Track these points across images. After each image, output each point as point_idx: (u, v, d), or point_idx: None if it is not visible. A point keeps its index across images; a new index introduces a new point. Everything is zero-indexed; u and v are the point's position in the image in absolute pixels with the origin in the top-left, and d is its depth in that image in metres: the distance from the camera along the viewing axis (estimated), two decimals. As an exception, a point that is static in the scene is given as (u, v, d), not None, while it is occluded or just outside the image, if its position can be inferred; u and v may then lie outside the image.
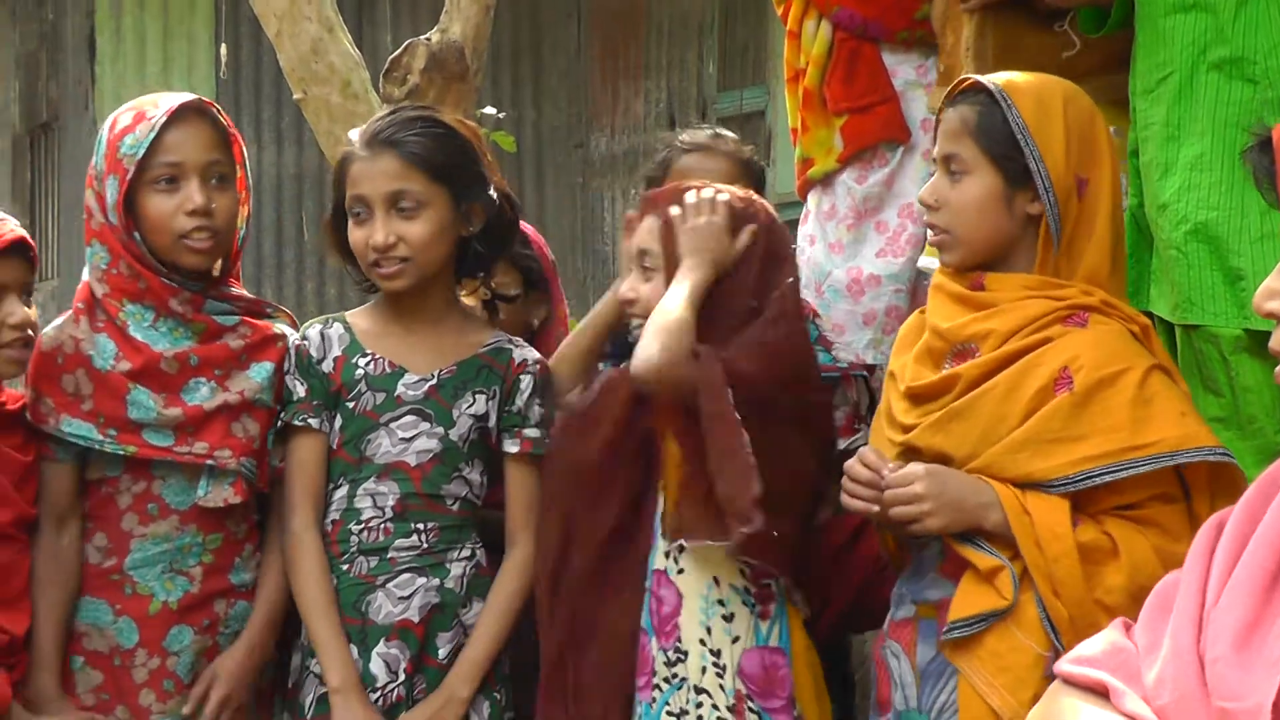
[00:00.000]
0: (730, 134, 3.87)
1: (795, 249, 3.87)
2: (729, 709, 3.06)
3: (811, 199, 4.18)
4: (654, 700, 3.10)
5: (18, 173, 10.79)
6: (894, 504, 2.85)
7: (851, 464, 2.93)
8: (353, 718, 3.14)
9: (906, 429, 2.93)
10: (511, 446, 3.29)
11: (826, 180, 4.13)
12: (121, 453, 3.21)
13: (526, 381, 3.31)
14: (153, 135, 3.20)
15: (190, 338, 3.27)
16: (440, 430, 3.25)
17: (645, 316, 3.09)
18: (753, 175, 3.68)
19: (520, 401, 3.30)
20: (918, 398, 2.94)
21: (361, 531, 3.24)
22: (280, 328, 3.37)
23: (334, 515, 3.26)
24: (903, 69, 4.09)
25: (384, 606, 3.21)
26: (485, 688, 3.24)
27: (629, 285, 3.17)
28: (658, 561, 3.13)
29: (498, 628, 3.24)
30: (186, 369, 3.25)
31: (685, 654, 3.09)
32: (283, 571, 3.29)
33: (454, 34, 4.85)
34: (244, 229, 3.36)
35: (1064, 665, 2.10)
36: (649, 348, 2.99)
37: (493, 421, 3.29)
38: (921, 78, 4.08)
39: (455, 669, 3.22)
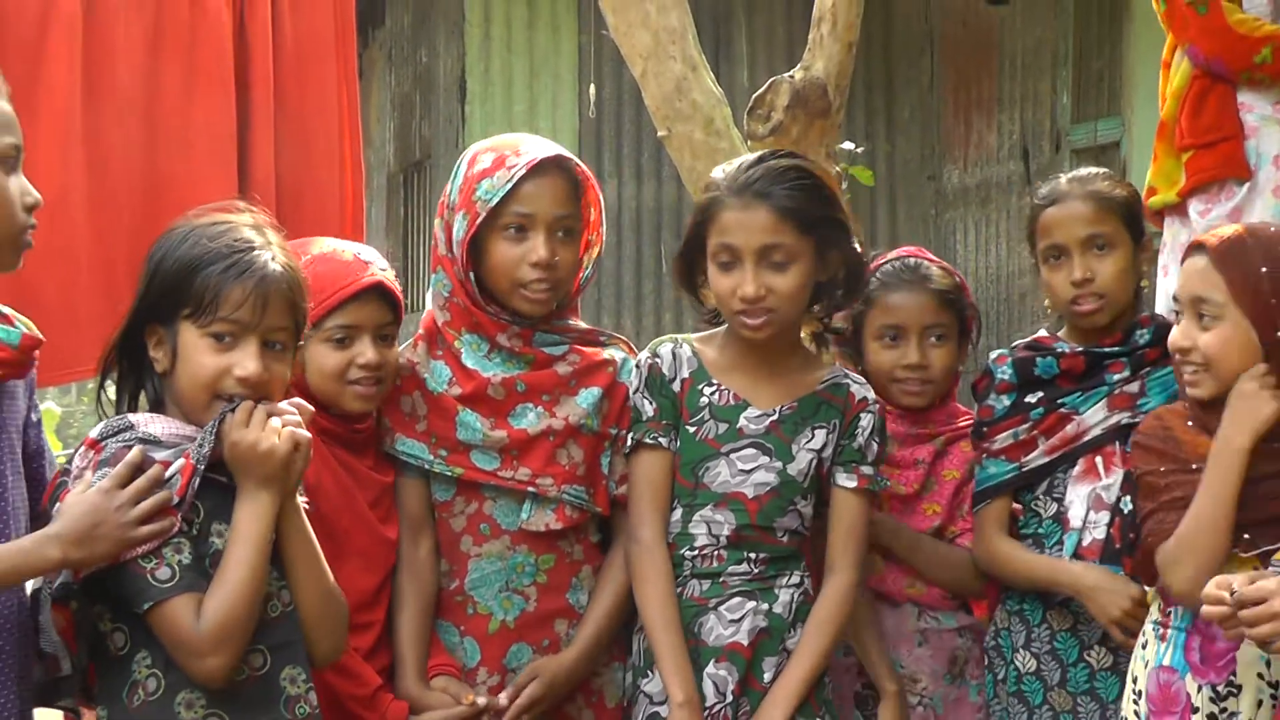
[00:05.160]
0: (1104, 171, 3.74)
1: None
2: None
3: (1168, 230, 4.18)
4: None
5: (392, 209, 11.18)
6: (1255, 623, 2.74)
7: (1207, 591, 2.83)
8: None
9: None
10: (848, 481, 3.32)
11: (1181, 210, 4.13)
12: (450, 474, 3.30)
13: (867, 420, 3.34)
14: (510, 185, 3.26)
15: (521, 367, 3.34)
16: (779, 465, 3.29)
17: (1203, 367, 3.07)
18: (1126, 215, 3.56)
19: (861, 439, 3.33)
20: None
21: (695, 557, 3.29)
22: (610, 353, 3.41)
23: (667, 537, 3.32)
24: (1260, 104, 4.07)
25: (715, 628, 3.27)
26: (806, 709, 3.25)
27: (1182, 332, 3.12)
28: None
29: (814, 652, 3.26)
30: (514, 395, 3.32)
31: (1239, 689, 3.05)
32: (620, 589, 3.34)
33: (817, 71, 4.78)
34: (589, 269, 3.41)
35: None
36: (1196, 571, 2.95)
37: (829, 453, 3.33)
38: (1278, 114, 4.06)
39: (770, 694, 3.24)
